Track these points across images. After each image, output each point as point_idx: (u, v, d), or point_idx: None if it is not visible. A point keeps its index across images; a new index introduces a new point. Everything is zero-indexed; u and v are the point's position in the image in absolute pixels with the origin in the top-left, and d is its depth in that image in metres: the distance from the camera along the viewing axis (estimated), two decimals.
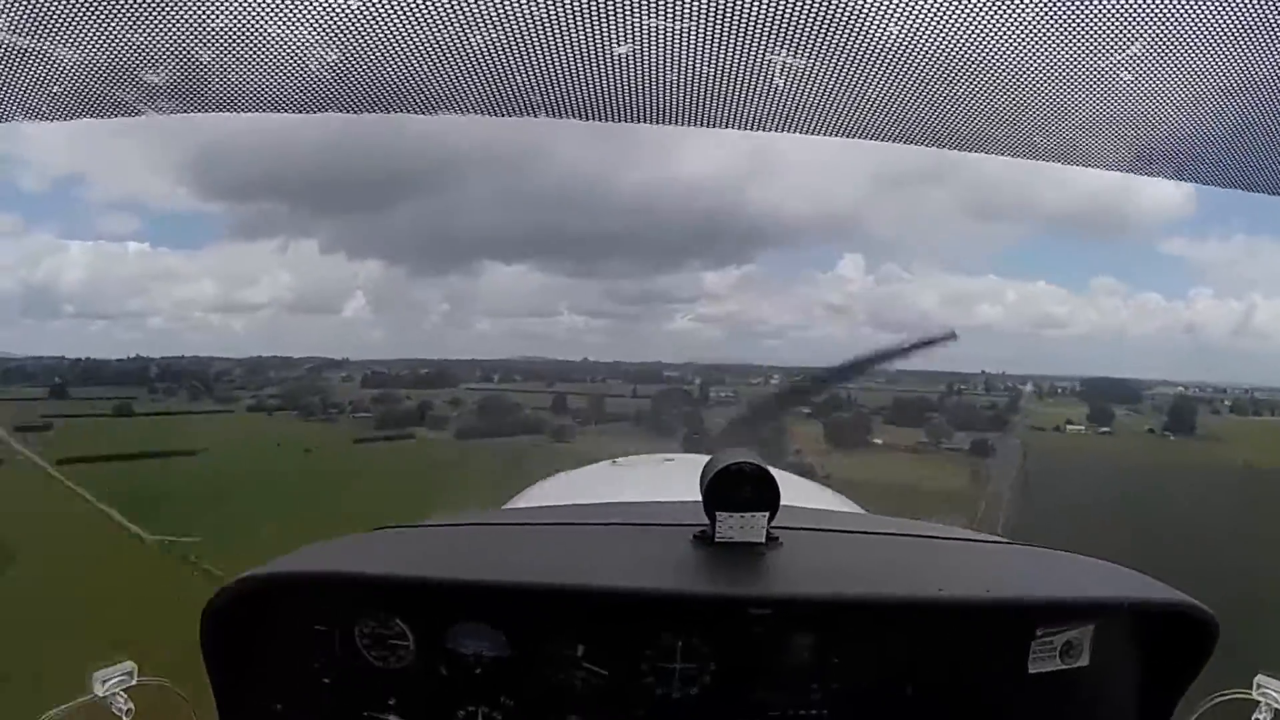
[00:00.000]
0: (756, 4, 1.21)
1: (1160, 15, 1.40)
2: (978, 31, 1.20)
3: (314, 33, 1.35)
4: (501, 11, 1.26)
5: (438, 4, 1.28)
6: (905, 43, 1.22)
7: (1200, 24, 1.43)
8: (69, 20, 1.47)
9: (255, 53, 1.42)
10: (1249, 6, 1.42)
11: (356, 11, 1.31)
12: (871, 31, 1.20)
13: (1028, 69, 1.28)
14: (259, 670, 1.40)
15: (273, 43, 1.39)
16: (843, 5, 1.20)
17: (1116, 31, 1.40)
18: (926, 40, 1.22)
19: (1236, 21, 1.43)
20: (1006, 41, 1.24)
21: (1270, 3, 1.41)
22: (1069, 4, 1.32)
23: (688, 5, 1.21)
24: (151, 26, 1.42)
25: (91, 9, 1.43)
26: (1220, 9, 1.42)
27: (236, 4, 1.34)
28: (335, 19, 1.33)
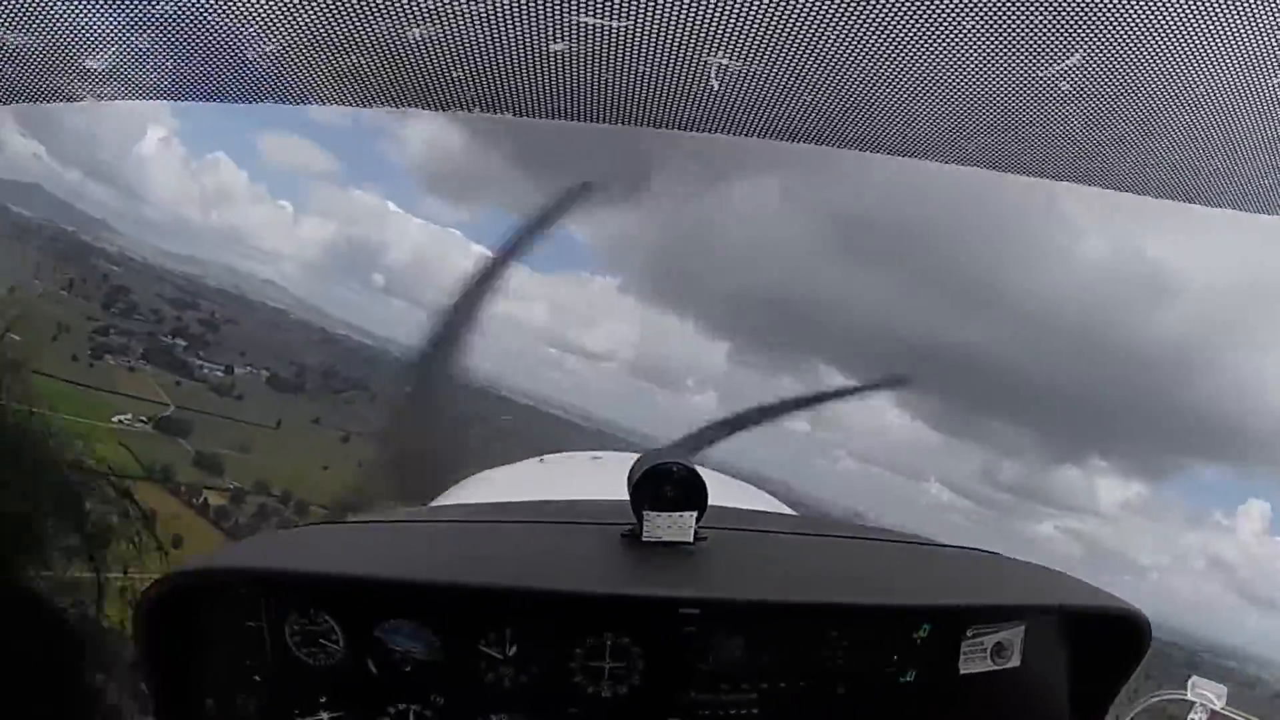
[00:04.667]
0: (694, 6, 1.21)
1: (1104, 23, 1.42)
2: (909, 37, 1.21)
3: (252, 23, 1.34)
4: (439, 5, 1.25)
5: None
6: (840, 48, 1.22)
7: (1141, 36, 1.45)
8: (13, 4, 1.45)
9: (194, 41, 1.41)
10: (1193, 23, 1.44)
11: (295, 3, 1.30)
12: (807, 36, 1.21)
13: (962, 75, 1.29)
14: (191, 666, 1.39)
15: (211, 32, 1.38)
16: (780, 10, 1.21)
17: (1060, 39, 1.42)
18: (861, 46, 1.23)
19: (1175, 37, 1.46)
20: (943, 44, 1.25)
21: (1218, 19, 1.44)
22: (1008, 12, 1.33)
23: (625, 4, 1.21)
24: (93, 11, 1.41)
25: None
26: (1162, 21, 1.44)
27: None
28: (273, 10, 1.32)
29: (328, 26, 1.33)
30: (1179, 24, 1.44)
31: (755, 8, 1.23)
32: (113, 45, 1.47)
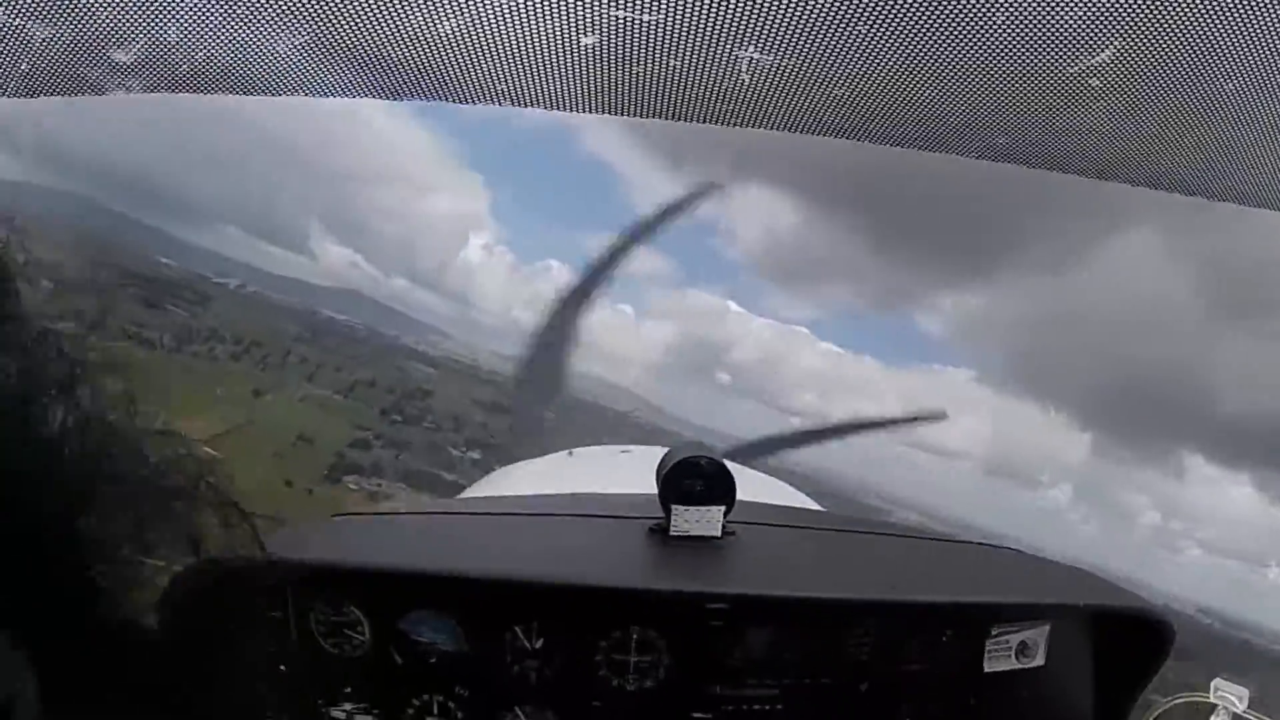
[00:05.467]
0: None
1: (1134, 20, 1.40)
2: (943, 29, 1.21)
3: (281, 14, 1.34)
4: None
5: None
6: (869, 42, 1.22)
7: (1171, 32, 1.43)
8: None
9: (222, 33, 1.41)
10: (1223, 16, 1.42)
11: None
12: (836, 29, 1.20)
13: (996, 67, 1.28)
14: (215, 656, 1.40)
15: (240, 25, 1.38)
16: (809, 3, 1.20)
17: (1089, 35, 1.41)
18: (892, 38, 1.22)
19: (1207, 31, 1.44)
20: (973, 38, 1.24)
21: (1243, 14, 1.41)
22: (1041, 4, 1.32)
23: None
24: (119, 3, 1.41)
25: None
26: (1191, 18, 1.42)
27: None
28: (302, 2, 1.32)
29: (356, 19, 1.32)
30: (1212, 16, 1.43)
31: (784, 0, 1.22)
32: (140, 38, 1.47)
